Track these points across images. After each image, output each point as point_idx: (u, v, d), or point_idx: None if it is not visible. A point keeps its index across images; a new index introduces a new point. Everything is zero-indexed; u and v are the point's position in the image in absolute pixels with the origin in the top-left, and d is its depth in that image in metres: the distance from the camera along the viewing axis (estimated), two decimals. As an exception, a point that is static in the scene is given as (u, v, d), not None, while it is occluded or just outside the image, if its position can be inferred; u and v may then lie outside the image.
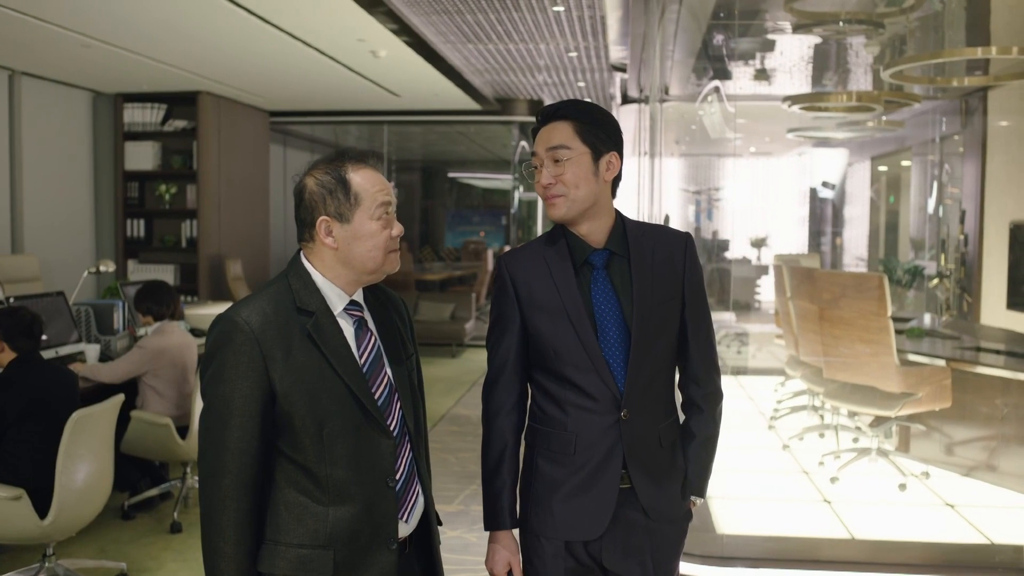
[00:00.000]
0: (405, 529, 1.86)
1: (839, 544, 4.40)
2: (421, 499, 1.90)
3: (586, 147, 2.00)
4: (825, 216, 15.30)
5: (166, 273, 9.13)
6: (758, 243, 15.03)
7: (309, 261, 1.84)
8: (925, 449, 5.75)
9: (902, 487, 5.18)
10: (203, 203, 9.23)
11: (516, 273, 2.05)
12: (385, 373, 1.85)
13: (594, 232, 2.04)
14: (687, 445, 2.15)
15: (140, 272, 9.10)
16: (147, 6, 5.87)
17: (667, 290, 2.06)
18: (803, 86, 8.96)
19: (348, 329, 1.83)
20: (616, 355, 1.99)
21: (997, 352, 5.59)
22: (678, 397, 2.22)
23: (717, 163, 15.18)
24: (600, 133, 2.02)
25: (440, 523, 2.07)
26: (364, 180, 1.81)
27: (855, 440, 6.03)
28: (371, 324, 1.88)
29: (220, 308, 7.48)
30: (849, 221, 14.67)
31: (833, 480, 5.31)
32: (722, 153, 15.11)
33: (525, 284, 2.04)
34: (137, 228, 9.43)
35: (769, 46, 7.38)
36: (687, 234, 2.13)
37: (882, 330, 5.10)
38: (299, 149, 13.09)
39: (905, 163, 12.01)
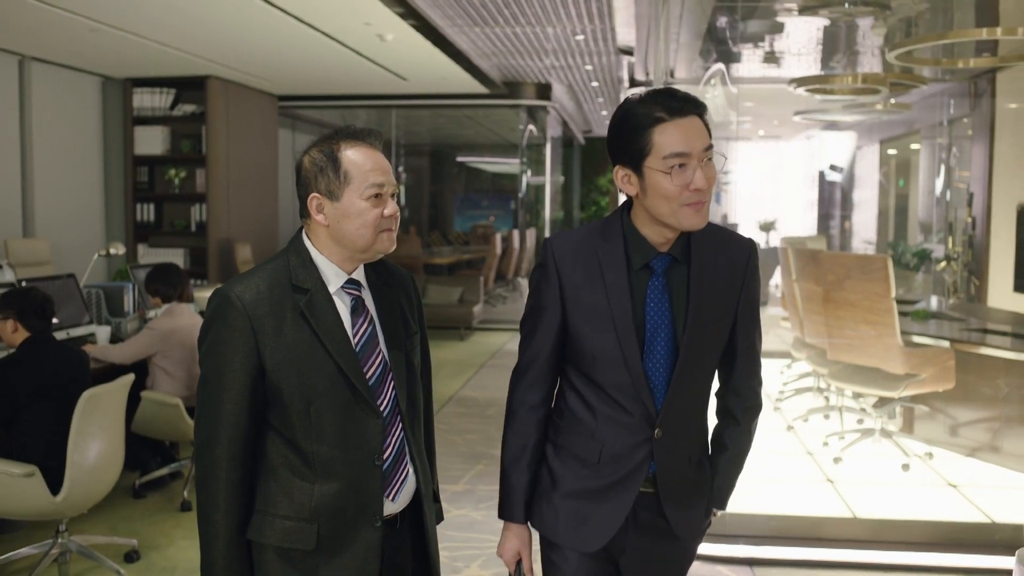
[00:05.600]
0: (391, 507, 1.88)
1: (841, 523, 4.45)
2: (411, 478, 1.92)
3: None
4: (834, 199, 15.28)
5: (176, 257, 9.19)
6: (767, 227, 15.02)
7: (309, 238, 1.87)
8: (929, 430, 5.78)
9: (905, 467, 5.22)
10: (212, 187, 9.28)
11: (565, 263, 1.88)
12: (380, 353, 1.88)
13: (663, 234, 1.85)
14: (718, 456, 2.05)
15: (150, 256, 9.17)
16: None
17: (723, 306, 1.92)
18: (811, 68, 8.93)
19: (344, 307, 1.86)
20: (659, 372, 1.87)
21: (1001, 334, 5.61)
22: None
23: (725, 146, 15.13)
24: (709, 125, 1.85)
25: (437, 500, 2.09)
26: (356, 158, 1.82)
27: (859, 421, 6.07)
28: (369, 303, 1.90)
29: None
30: (858, 204, 14.64)
31: (836, 460, 5.35)
32: (730, 136, 15.08)
33: (572, 279, 1.87)
34: (147, 212, 9.49)
35: (776, 28, 7.37)
36: (752, 242, 1.97)
37: (886, 311, 5.12)
38: (308, 133, 13.11)
39: (914, 146, 11.96)
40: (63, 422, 3.47)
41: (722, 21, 6.65)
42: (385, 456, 1.85)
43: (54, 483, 3.45)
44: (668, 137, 1.75)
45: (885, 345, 5.19)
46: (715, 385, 2.06)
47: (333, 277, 1.85)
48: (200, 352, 1.82)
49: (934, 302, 8.54)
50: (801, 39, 7.84)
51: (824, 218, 15.37)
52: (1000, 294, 8.51)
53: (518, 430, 1.96)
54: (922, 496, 4.83)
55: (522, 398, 1.96)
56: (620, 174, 1.84)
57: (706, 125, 1.80)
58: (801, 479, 5.12)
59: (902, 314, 6.43)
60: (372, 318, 1.89)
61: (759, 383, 2.06)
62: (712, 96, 7.95)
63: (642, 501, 1.93)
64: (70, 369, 3.65)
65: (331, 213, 1.82)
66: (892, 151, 13.16)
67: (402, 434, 1.89)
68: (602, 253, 1.87)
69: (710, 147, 1.79)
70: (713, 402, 2.06)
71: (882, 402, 5.77)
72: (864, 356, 5.40)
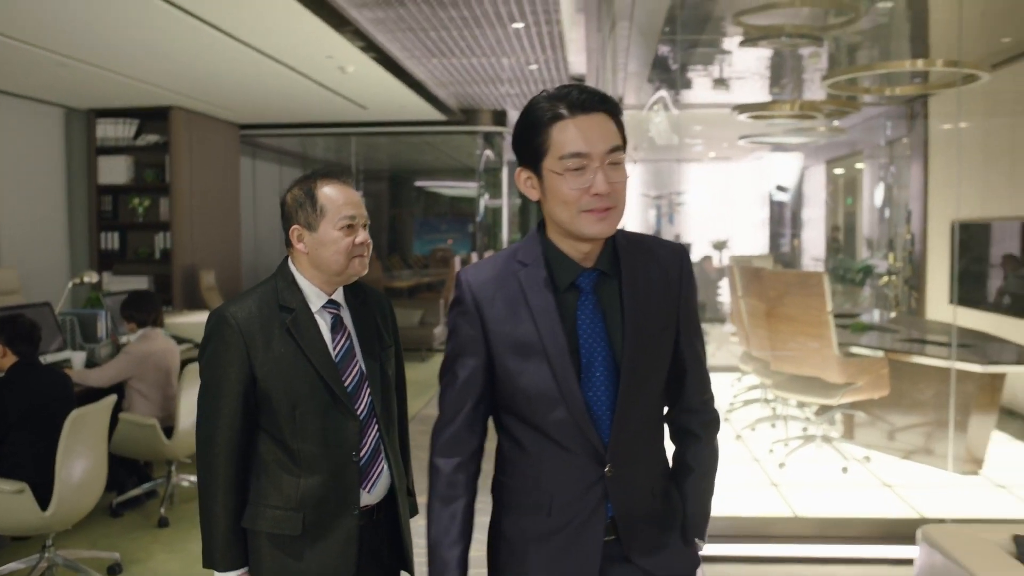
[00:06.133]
0: (368, 498, 2.13)
1: (783, 521, 4.75)
2: (386, 473, 2.17)
3: (624, 148, 1.67)
4: (784, 218, 15.76)
5: (141, 284, 9.32)
6: (719, 245, 15.43)
7: (293, 264, 2.15)
8: (868, 435, 6.12)
9: (844, 470, 5.55)
10: (176, 215, 9.45)
11: (483, 296, 1.71)
12: (357, 364, 2.14)
13: (578, 247, 1.69)
14: (684, 480, 1.84)
15: (115, 284, 9.29)
16: (124, 26, 6.11)
17: (662, 318, 1.74)
18: (758, 93, 9.36)
19: (325, 324, 2.13)
20: (601, 400, 1.68)
21: (932, 343, 5.98)
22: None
23: (677, 168, 15.61)
24: (624, 130, 1.69)
25: (412, 495, 2.35)
26: (331, 194, 2.10)
27: (804, 429, 6.40)
28: (348, 321, 2.17)
29: (195, 317, 7.74)
30: (807, 223, 15.13)
31: (781, 466, 5.66)
32: (682, 159, 15.56)
33: (493, 312, 1.69)
34: (111, 241, 9.63)
35: (720, 58, 7.77)
36: (683, 247, 1.82)
37: (823, 324, 5.47)
38: (267, 161, 13.31)
39: (859, 165, 12.43)
40: (50, 441, 3.68)
41: (665, 51, 7.02)
42: (362, 453, 2.10)
43: (42, 499, 3.65)
44: (566, 135, 1.60)
45: (823, 356, 5.53)
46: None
47: (315, 298, 2.12)
48: (200, 363, 2.08)
49: (876, 315, 8.95)
50: (747, 66, 8.25)
51: (775, 236, 15.85)
52: (937, 307, 8.96)
53: (444, 496, 1.73)
54: (859, 496, 5.15)
55: (447, 459, 1.74)
56: (522, 176, 1.70)
57: (618, 126, 1.65)
58: (748, 484, 5.42)
59: (842, 327, 6.82)
60: (350, 334, 2.16)
61: (711, 397, 1.89)
62: (657, 121, 8.32)
63: (610, 553, 1.73)
64: (56, 391, 3.86)
65: (309, 242, 2.10)
66: (839, 170, 13.65)
67: (377, 434, 2.14)
68: (523, 278, 1.69)
69: (617, 149, 1.63)
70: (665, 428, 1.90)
71: (823, 410, 6.12)
72: (804, 367, 5.73)
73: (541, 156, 1.63)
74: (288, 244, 2.15)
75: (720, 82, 8.72)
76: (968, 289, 8.36)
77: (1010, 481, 5.37)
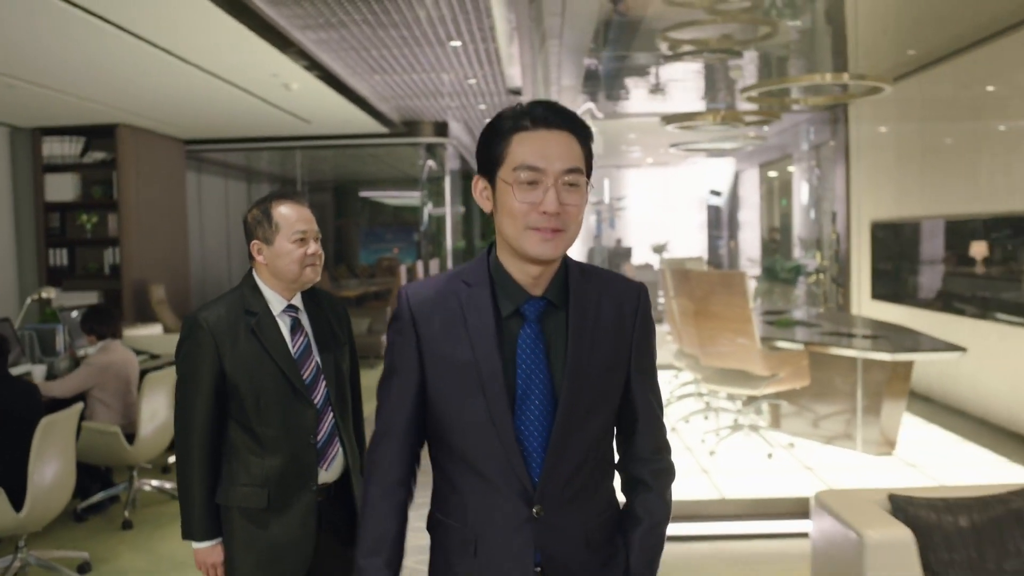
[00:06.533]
0: (326, 476, 2.42)
1: (713, 503, 5.13)
2: (341, 454, 2.47)
3: (587, 174, 1.62)
4: (721, 221, 16.29)
5: (90, 299, 9.46)
6: (659, 248, 15.88)
7: (256, 274, 2.45)
8: (793, 424, 6.55)
9: (769, 456, 5.96)
10: (125, 231, 9.61)
11: (422, 314, 1.64)
12: (313, 359, 2.44)
13: (526, 271, 1.61)
14: (631, 531, 1.72)
15: (64, 299, 9.40)
16: (71, 47, 6.30)
17: (610, 356, 1.66)
18: (689, 102, 9.82)
19: (284, 326, 2.43)
20: (534, 436, 1.60)
21: (844, 335, 6.42)
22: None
23: (616, 174, 16.07)
24: (592, 156, 1.64)
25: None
26: (285, 212, 2.41)
27: (735, 420, 6.81)
28: (305, 323, 2.48)
29: (147, 330, 7.94)
30: (744, 224, 15.67)
31: (712, 454, 6.06)
32: (621, 165, 16.02)
33: (431, 331, 1.63)
34: (60, 257, 9.75)
35: (649, 70, 8.18)
36: (642, 286, 1.73)
37: (745, 320, 5.87)
38: (212, 175, 13.46)
39: (791, 168, 12.95)
40: (22, 447, 3.90)
41: (594, 65, 7.40)
42: (319, 436, 2.41)
43: (15, 502, 3.88)
44: (524, 147, 1.56)
45: (746, 350, 5.94)
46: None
47: (276, 303, 2.43)
48: (176, 360, 2.38)
49: (804, 311, 9.43)
50: (675, 78, 8.67)
51: (713, 239, 16.38)
52: (860, 302, 9.47)
53: (373, 518, 1.67)
54: (782, 479, 5.55)
55: (380, 478, 1.68)
56: (479, 186, 1.64)
57: (584, 149, 1.60)
58: (680, 472, 5.78)
59: (770, 323, 7.26)
60: (307, 333, 2.46)
61: (666, 447, 1.79)
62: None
63: None
64: (26, 400, 4.09)
65: (268, 254, 2.41)
66: (773, 173, 14.19)
67: (333, 420, 2.45)
68: (465, 299, 1.63)
69: (575, 171, 1.57)
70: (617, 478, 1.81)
71: (749, 400, 6.53)
72: (730, 360, 6.14)
73: (497, 165, 1.58)
74: (251, 257, 2.45)
75: (655, 90, 9.14)
76: (888, 285, 8.88)
77: (920, 460, 5.83)
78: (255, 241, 2.42)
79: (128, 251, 9.65)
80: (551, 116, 1.58)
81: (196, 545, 2.36)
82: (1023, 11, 5.96)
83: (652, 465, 1.75)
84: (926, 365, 7.63)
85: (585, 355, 1.62)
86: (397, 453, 1.67)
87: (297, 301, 2.47)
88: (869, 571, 2.58)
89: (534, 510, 1.60)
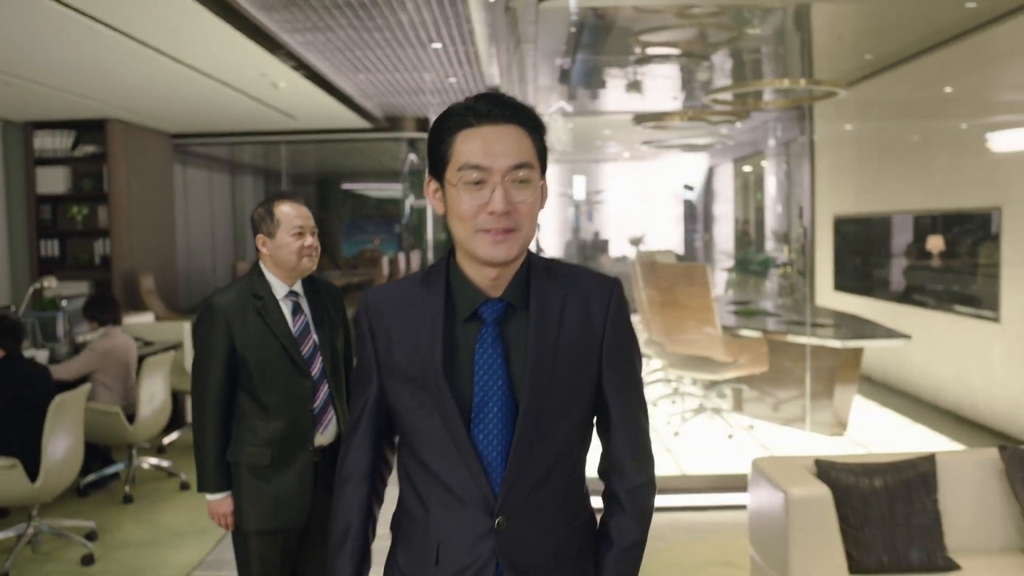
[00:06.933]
0: (321, 439, 2.77)
1: (674, 479, 5.53)
2: (335, 421, 2.82)
3: (541, 169, 1.55)
4: (696, 214, 16.70)
5: (81, 289, 9.76)
6: (636, 241, 16.26)
7: (262, 264, 2.81)
8: (754, 408, 6.96)
9: (730, 437, 6.37)
10: (115, 223, 9.90)
11: (378, 320, 1.61)
12: (311, 338, 2.80)
13: (483, 273, 1.55)
14: (604, 553, 1.65)
15: (56, 290, 9.70)
16: (65, 46, 6.57)
17: (576, 358, 1.57)
18: (662, 100, 10.20)
19: (287, 308, 2.79)
20: (493, 445, 1.53)
21: (799, 324, 6.84)
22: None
23: (595, 168, 16.45)
24: (545, 149, 1.58)
25: None
26: (286, 209, 2.79)
27: (700, 404, 7.22)
28: (304, 305, 2.84)
29: (139, 318, 8.26)
30: (718, 218, 16.09)
31: (676, 434, 6.46)
32: (599, 159, 16.40)
33: (386, 337, 1.59)
34: (51, 248, 10.03)
35: (622, 71, 8.55)
36: (616, 281, 1.63)
37: (707, 309, 6.27)
38: (197, 167, 13.74)
39: (764, 164, 13.37)
40: (36, 423, 4.25)
41: (567, 65, 7.76)
42: (315, 404, 2.77)
43: (30, 474, 4.22)
44: (468, 145, 1.49)
45: (708, 337, 6.34)
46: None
47: (279, 289, 2.79)
48: (193, 338, 2.75)
49: (770, 302, 9.85)
50: (648, 77, 9.05)
51: (689, 232, 16.79)
52: (824, 294, 9.90)
53: (340, 508, 1.68)
54: (740, 457, 5.95)
55: (348, 470, 1.69)
56: (431, 187, 1.58)
57: (535, 142, 1.54)
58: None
59: (736, 312, 7.67)
60: (306, 316, 2.83)
61: (648, 459, 1.68)
62: (555, 129, 9.11)
63: None
64: (39, 380, 4.43)
65: (271, 246, 2.77)
66: (748, 168, 14.60)
67: (328, 391, 2.81)
68: (420, 303, 1.58)
69: (524, 166, 1.49)
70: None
71: (711, 385, 6.94)
72: (694, 347, 6.54)
73: (444, 166, 1.52)
74: (257, 249, 2.81)
75: (629, 88, 9.52)
76: (849, 277, 9.31)
77: (869, 440, 6.25)
78: (260, 235, 2.78)
79: (118, 242, 9.94)
80: (496, 110, 1.51)
81: (209, 497, 2.72)
82: (968, 21, 6.37)
83: (629, 481, 1.65)
84: (882, 353, 8.06)
85: (548, 358, 1.53)
86: (365, 444, 1.67)
87: (298, 287, 2.83)
88: (792, 525, 2.98)
89: (496, 521, 1.53)
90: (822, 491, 3.02)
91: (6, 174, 9.90)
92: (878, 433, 6.53)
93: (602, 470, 1.71)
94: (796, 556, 2.97)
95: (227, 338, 2.69)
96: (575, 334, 1.57)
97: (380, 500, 1.74)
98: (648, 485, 1.68)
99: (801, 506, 2.98)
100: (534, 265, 1.60)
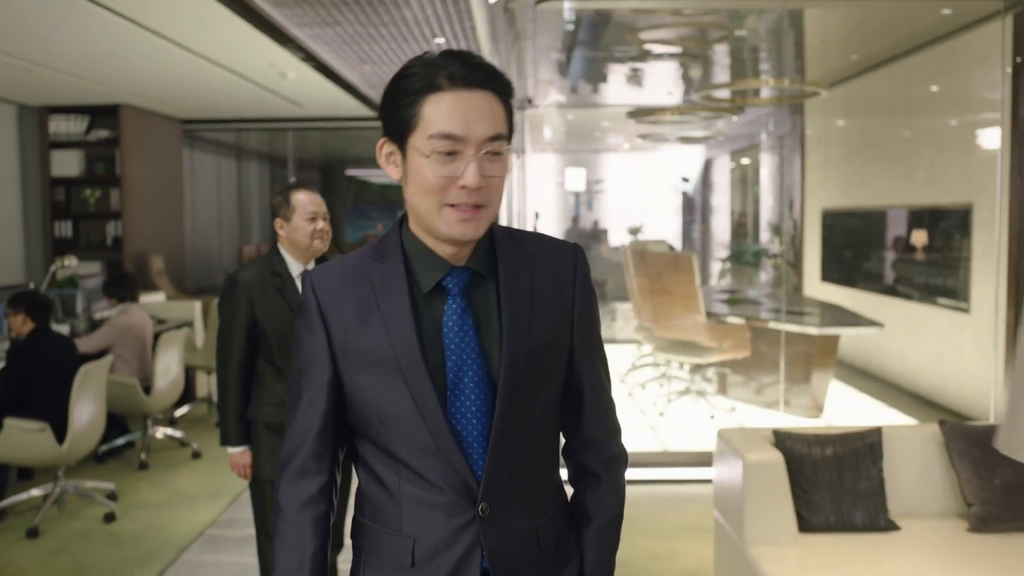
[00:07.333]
0: None
1: (655, 454, 5.89)
2: None
3: (509, 138, 1.43)
4: (694, 205, 17.04)
5: (94, 270, 10.10)
6: (635, 231, 16.60)
7: (281, 245, 3.15)
8: (738, 391, 7.31)
9: (712, 418, 6.72)
10: (126, 205, 10.23)
11: (330, 299, 1.46)
12: None
13: (442, 245, 1.44)
14: (583, 529, 1.58)
15: (64, 270, 10.04)
16: (83, 36, 6.89)
17: (550, 329, 1.48)
18: (658, 94, 10.53)
19: (300, 285, 3.14)
20: (473, 425, 1.43)
21: (785, 312, 7.18)
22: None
23: (594, 159, 16.78)
24: (512, 115, 1.46)
25: None
26: (301, 197, 3.13)
27: (687, 387, 7.57)
28: None
29: (151, 298, 8.61)
30: (716, 209, 16.42)
31: (661, 415, 6.81)
32: (599, 150, 16.72)
33: (340, 317, 1.45)
34: (65, 229, 10.37)
35: (619, 66, 8.88)
36: (577, 247, 1.56)
37: (693, 296, 6.61)
38: (204, 152, 14.05)
39: (760, 157, 13.69)
40: (63, 391, 4.60)
41: (566, 60, 8.09)
42: None
43: (58, 437, 4.58)
44: (439, 110, 1.35)
45: (694, 323, 6.69)
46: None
47: (294, 267, 3.14)
48: (219, 310, 3.10)
49: (760, 291, 10.20)
50: (644, 73, 9.37)
51: (687, 223, 17.12)
52: (812, 284, 10.25)
53: (290, 538, 1.47)
54: (720, 436, 6.31)
55: (292, 494, 1.49)
56: (384, 150, 1.45)
57: (506, 110, 1.41)
58: (630, 429, 6.55)
59: (724, 300, 8.02)
60: (318, 292, 3.17)
61: (616, 429, 1.62)
62: (549, 120, 9.46)
63: None
64: (66, 352, 4.78)
65: (287, 229, 3.12)
66: (745, 160, 14.93)
67: None
68: (376, 277, 1.44)
69: (499, 138, 1.38)
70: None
71: (696, 368, 7.29)
72: (680, 332, 6.89)
73: (408, 130, 1.38)
74: (275, 232, 3.16)
75: (626, 82, 9.84)
76: (835, 269, 9.65)
77: (842, 422, 6.60)
78: (278, 219, 3.12)
79: (129, 224, 10.28)
80: (471, 73, 1.37)
81: (231, 450, 3.07)
82: (944, 27, 6.69)
83: (603, 452, 1.58)
84: (862, 342, 8.41)
85: (523, 329, 1.44)
86: (313, 461, 1.49)
87: (311, 267, 3.17)
88: (748, 487, 3.33)
89: (479, 508, 1.42)
90: (776, 457, 3.36)
91: (22, 157, 10.22)
92: (852, 416, 6.88)
93: (570, 449, 1.62)
94: (751, 516, 3.32)
95: (249, 310, 3.03)
96: (547, 302, 1.48)
97: (335, 512, 1.54)
98: (622, 457, 1.61)
99: (757, 471, 3.33)
100: (496, 232, 1.50)
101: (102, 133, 10.31)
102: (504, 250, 1.48)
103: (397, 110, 1.39)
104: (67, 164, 10.28)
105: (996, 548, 3.24)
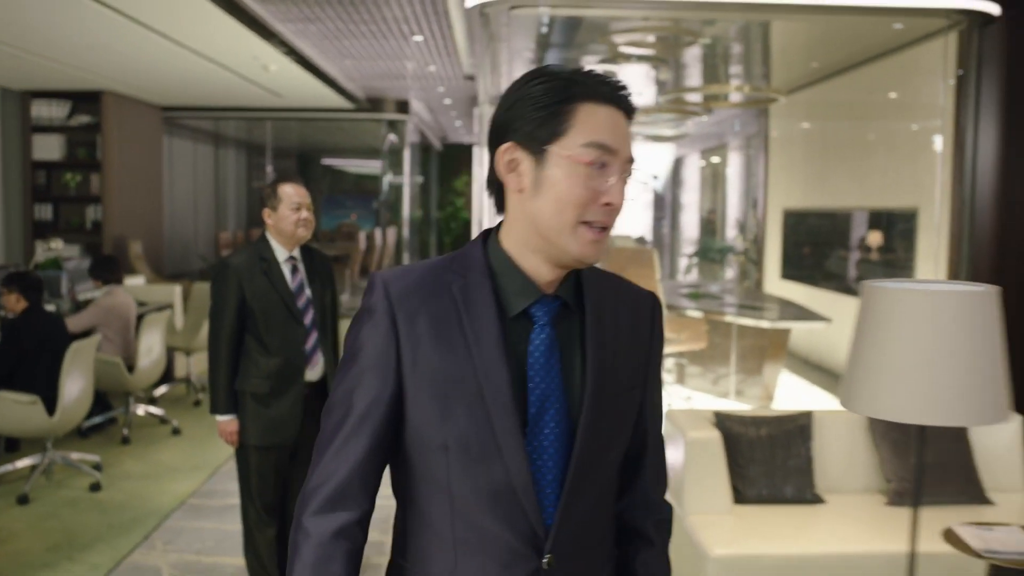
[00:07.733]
0: (310, 375, 3.42)
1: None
2: (322, 360, 3.47)
3: None
4: (665, 203, 17.42)
5: (72, 252, 10.31)
6: (605, 227, 16.91)
7: (268, 233, 3.45)
8: (695, 381, 7.67)
9: (669, 406, 7.08)
10: (107, 190, 10.45)
11: (405, 309, 1.30)
12: (305, 294, 3.45)
13: (544, 268, 1.31)
14: None
15: (49, 252, 10.25)
16: (68, 24, 7.10)
17: (631, 374, 1.38)
18: (639, 92, 10.88)
19: (286, 269, 3.44)
20: (549, 468, 1.29)
21: (740, 307, 7.56)
22: None
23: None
24: None
25: None
26: (287, 189, 3.42)
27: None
28: (301, 268, 3.48)
29: (130, 281, 8.84)
30: (685, 207, 16.81)
31: (621, 402, 7.16)
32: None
33: (414, 330, 1.29)
34: (44, 212, 10.57)
35: (592, 67, 9.19)
36: (654, 296, 1.48)
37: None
38: (183, 139, 14.25)
39: (728, 156, 14.06)
40: (54, 367, 4.87)
41: (540, 60, 8.40)
42: (307, 346, 3.42)
43: (48, 410, 4.85)
44: (599, 120, 1.26)
45: (654, 315, 7.03)
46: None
47: (281, 253, 3.43)
48: (211, 291, 3.38)
49: (719, 287, 10.58)
50: (616, 75, 9.70)
51: (657, 220, 17.51)
52: (772, 282, 10.64)
53: (317, 567, 1.26)
54: (676, 422, 6.67)
55: (325, 520, 1.29)
56: (506, 158, 1.29)
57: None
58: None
59: (687, 296, 8.38)
60: (302, 276, 3.47)
61: (665, 489, 1.52)
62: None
63: None
64: (57, 329, 5.05)
65: (274, 218, 3.41)
66: (716, 159, 15.31)
67: (316, 336, 3.46)
68: (460, 292, 1.30)
69: (634, 162, 1.32)
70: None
71: (657, 359, 7.65)
72: (641, 324, 7.22)
73: (555, 135, 1.25)
74: (263, 221, 3.46)
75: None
76: (794, 267, 10.04)
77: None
78: (266, 209, 3.42)
79: (109, 209, 10.50)
80: (623, 97, 1.30)
81: (219, 418, 3.37)
82: (896, 40, 7.07)
83: (656, 514, 1.48)
84: (815, 336, 8.80)
85: (608, 368, 1.33)
86: (358, 484, 1.30)
87: (296, 253, 3.47)
88: (689, 461, 3.67)
89: (544, 560, 1.28)
90: (715, 436, 3.71)
91: (3, 140, 10.40)
92: (800, 405, 7.25)
93: (623, 506, 1.48)
94: (690, 488, 3.66)
95: (238, 292, 3.33)
96: (628, 346, 1.38)
97: (361, 555, 1.33)
98: (670, 521, 1.51)
99: (696, 447, 3.67)
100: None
101: (84, 118, 10.51)
102: (590, 284, 1.37)
103: (540, 114, 1.26)
104: (48, 148, 10.47)
105: (910, 519, 3.61)
